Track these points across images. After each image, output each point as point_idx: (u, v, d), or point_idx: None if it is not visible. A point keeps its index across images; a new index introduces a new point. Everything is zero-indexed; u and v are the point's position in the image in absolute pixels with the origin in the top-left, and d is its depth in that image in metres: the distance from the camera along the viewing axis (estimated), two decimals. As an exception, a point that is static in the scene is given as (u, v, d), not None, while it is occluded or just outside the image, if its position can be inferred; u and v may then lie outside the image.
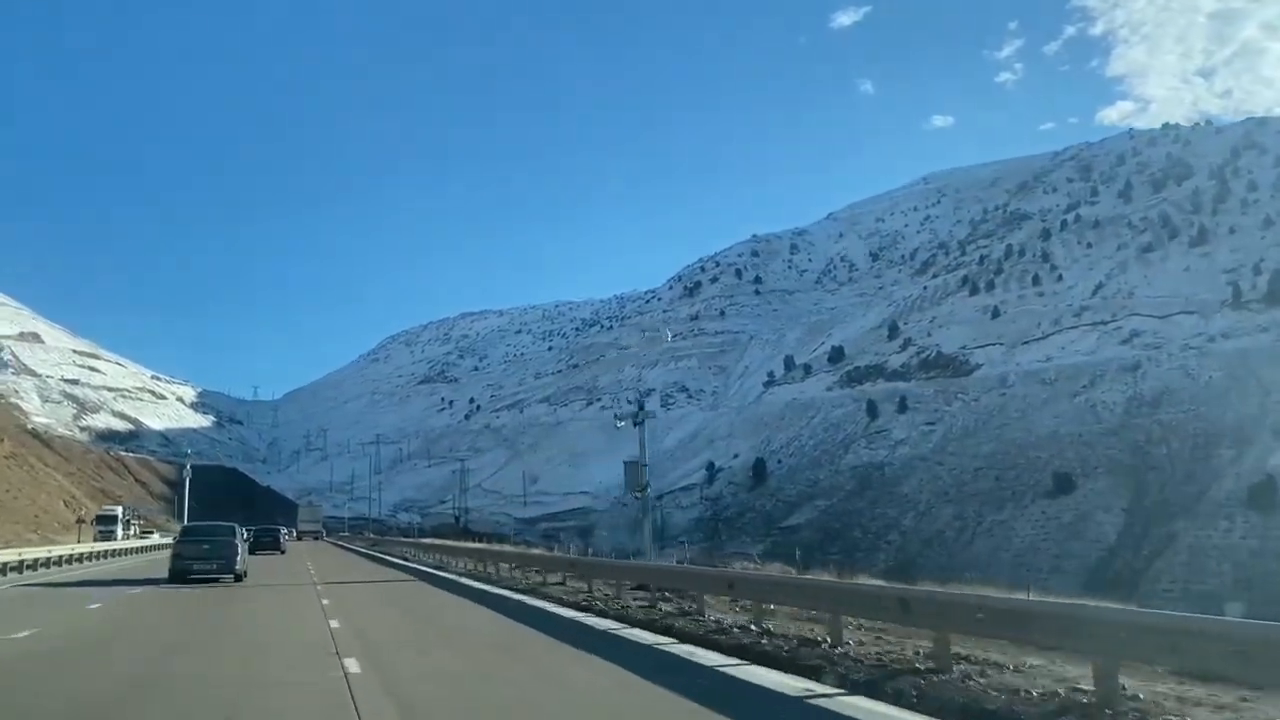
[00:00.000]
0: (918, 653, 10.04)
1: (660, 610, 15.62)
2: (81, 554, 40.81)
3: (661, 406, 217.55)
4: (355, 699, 8.29)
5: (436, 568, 35.26)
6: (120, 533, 59.83)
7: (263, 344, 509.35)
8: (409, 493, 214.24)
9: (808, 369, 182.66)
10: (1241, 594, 61.29)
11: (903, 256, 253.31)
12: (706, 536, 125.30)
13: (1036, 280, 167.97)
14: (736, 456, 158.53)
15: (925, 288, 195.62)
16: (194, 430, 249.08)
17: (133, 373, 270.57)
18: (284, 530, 62.16)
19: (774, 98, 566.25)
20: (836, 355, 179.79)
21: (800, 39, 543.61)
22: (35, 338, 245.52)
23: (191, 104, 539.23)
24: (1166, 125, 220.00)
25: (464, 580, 27.09)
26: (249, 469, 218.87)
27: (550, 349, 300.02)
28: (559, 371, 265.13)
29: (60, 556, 37.30)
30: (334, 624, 14.39)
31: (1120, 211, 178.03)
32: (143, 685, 9.43)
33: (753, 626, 12.62)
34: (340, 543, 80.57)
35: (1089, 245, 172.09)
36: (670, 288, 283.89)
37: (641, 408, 25.26)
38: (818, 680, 9.47)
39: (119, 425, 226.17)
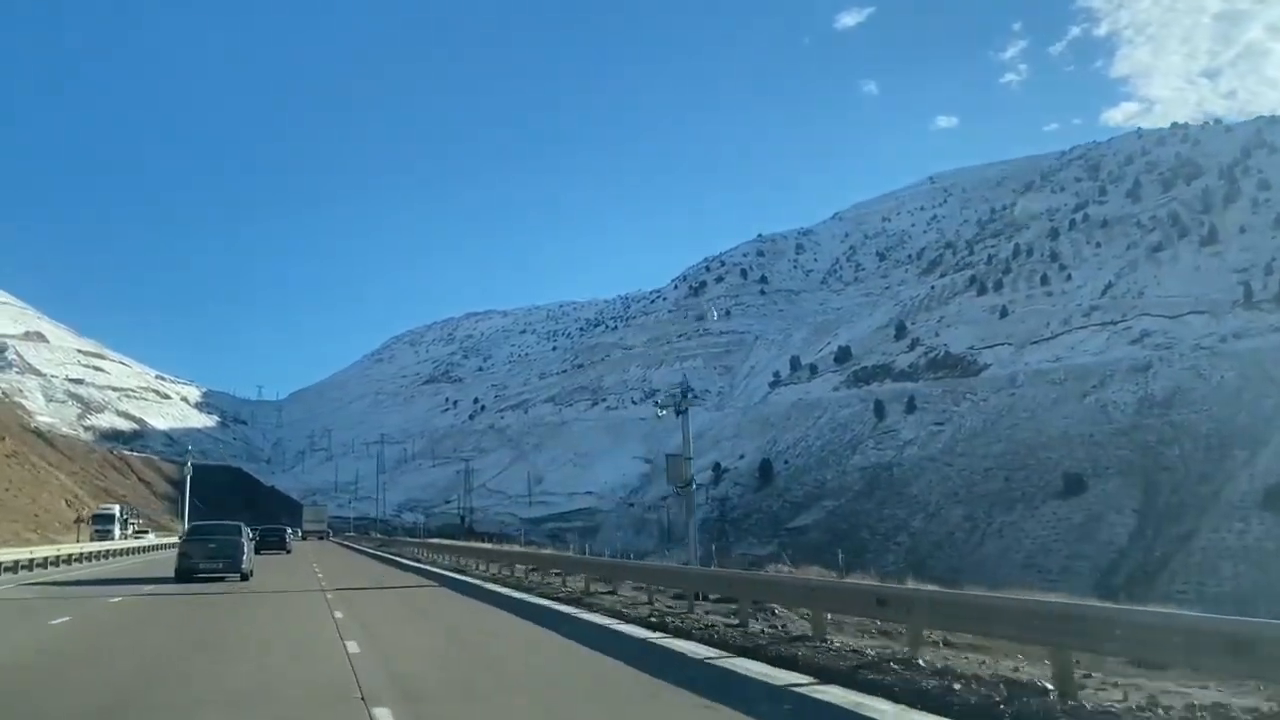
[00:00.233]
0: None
1: (760, 631, 13.02)
2: (70, 555, 37.87)
3: (655, 406, 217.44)
4: None
5: (456, 571, 32.44)
6: (117, 532, 58.73)
7: (267, 344, 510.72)
8: (413, 493, 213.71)
9: (814, 369, 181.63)
10: (1260, 596, 60.29)
11: (909, 256, 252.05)
12: (713, 538, 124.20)
13: (1045, 280, 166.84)
14: (743, 457, 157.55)
15: (932, 287, 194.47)
16: (198, 430, 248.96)
17: (137, 372, 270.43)
18: (289, 530, 61.31)
19: (778, 98, 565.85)
20: (843, 355, 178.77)
21: (804, 39, 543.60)
22: (40, 337, 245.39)
23: (195, 104, 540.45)
24: (1175, 124, 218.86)
25: (490, 586, 24.13)
26: (253, 469, 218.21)
27: (555, 349, 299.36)
28: (563, 371, 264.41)
29: (44, 558, 34.25)
30: (352, 648, 11.47)
31: (1129, 211, 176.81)
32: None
33: (920, 662, 9.59)
34: (346, 543, 79.43)
35: (1098, 245, 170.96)
36: (675, 287, 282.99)
37: (684, 394, 23.24)
38: None
39: (123, 425, 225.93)
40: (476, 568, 31.86)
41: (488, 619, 16.68)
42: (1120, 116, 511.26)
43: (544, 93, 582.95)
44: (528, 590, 21.93)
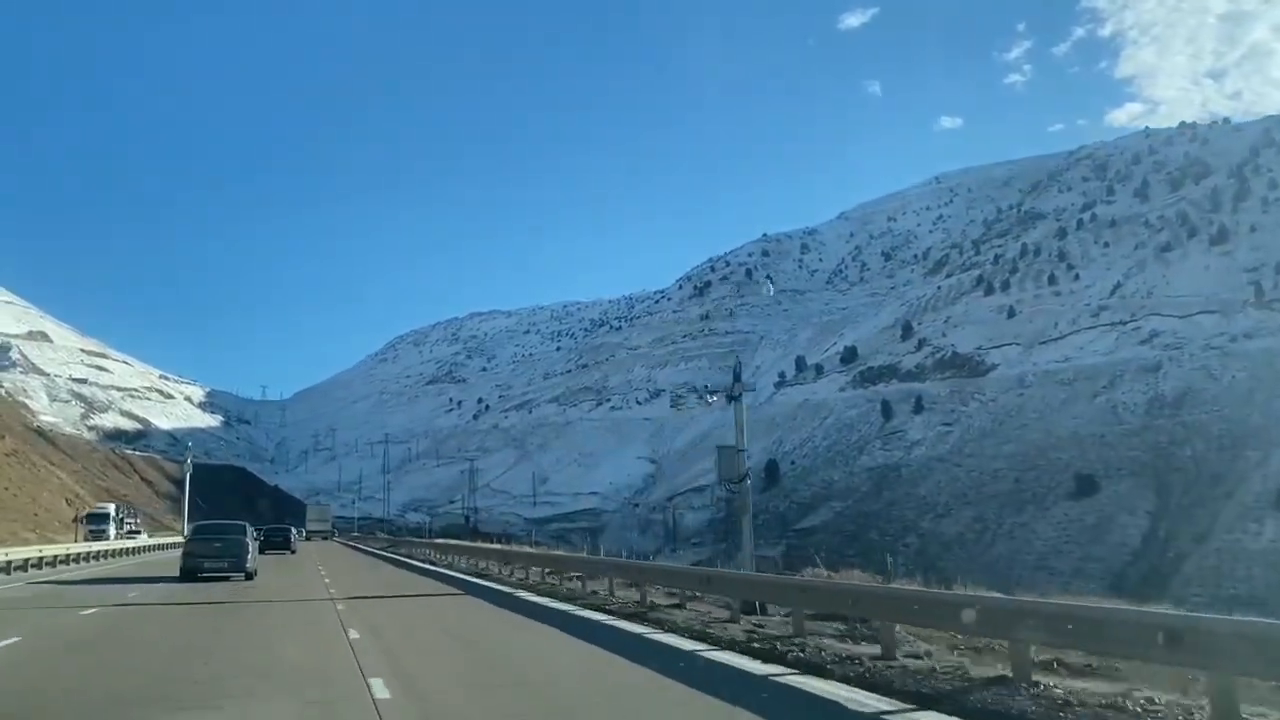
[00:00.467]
0: None
1: (929, 669, 9.49)
2: (55, 557, 34.80)
3: (671, 407, 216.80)
4: None
5: (477, 575, 29.30)
6: (112, 532, 57.22)
7: (271, 344, 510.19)
8: (417, 493, 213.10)
9: (819, 369, 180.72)
10: (1276, 599, 59.26)
11: (915, 256, 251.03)
12: (720, 538, 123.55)
13: (1053, 280, 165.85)
14: (749, 458, 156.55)
15: (939, 287, 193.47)
16: (202, 430, 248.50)
17: (141, 372, 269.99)
18: (294, 530, 60.23)
19: (782, 98, 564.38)
20: (849, 356, 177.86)
21: (808, 40, 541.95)
22: (44, 337, 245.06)
23: (198, 104, 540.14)
24: (1183, 124, 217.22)
25: (524, 594, 20.98)
26: (257, 469, 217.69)
27: (559, 349, 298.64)
28: (568, 372, 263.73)
29: (25, 560, 31.26)
30: (378, 690, 8.48)
31: (1137, 210, 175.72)
32: None
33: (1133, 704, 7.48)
34: (351, 543, 78.05)
35: (1106, 244, 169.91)
36: (680, 287, 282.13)
37: (737, 378, 20.64)
38: None
39: (127, 425, 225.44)
40: (498, 571, 29.34)
41: (541, 641, 13.29)
42: (1125, 117, 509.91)
43: (547, 93, 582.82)
44: (570, 600, 18.82)
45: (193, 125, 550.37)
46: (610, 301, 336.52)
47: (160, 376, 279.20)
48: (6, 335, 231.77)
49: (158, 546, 53.90)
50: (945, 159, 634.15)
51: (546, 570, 24.64)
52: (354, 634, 12.78)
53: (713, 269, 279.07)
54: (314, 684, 9.24)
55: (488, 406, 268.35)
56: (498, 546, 42.55)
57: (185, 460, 77.88)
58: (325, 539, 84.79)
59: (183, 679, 9.35)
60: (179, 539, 57.26)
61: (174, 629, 14.63)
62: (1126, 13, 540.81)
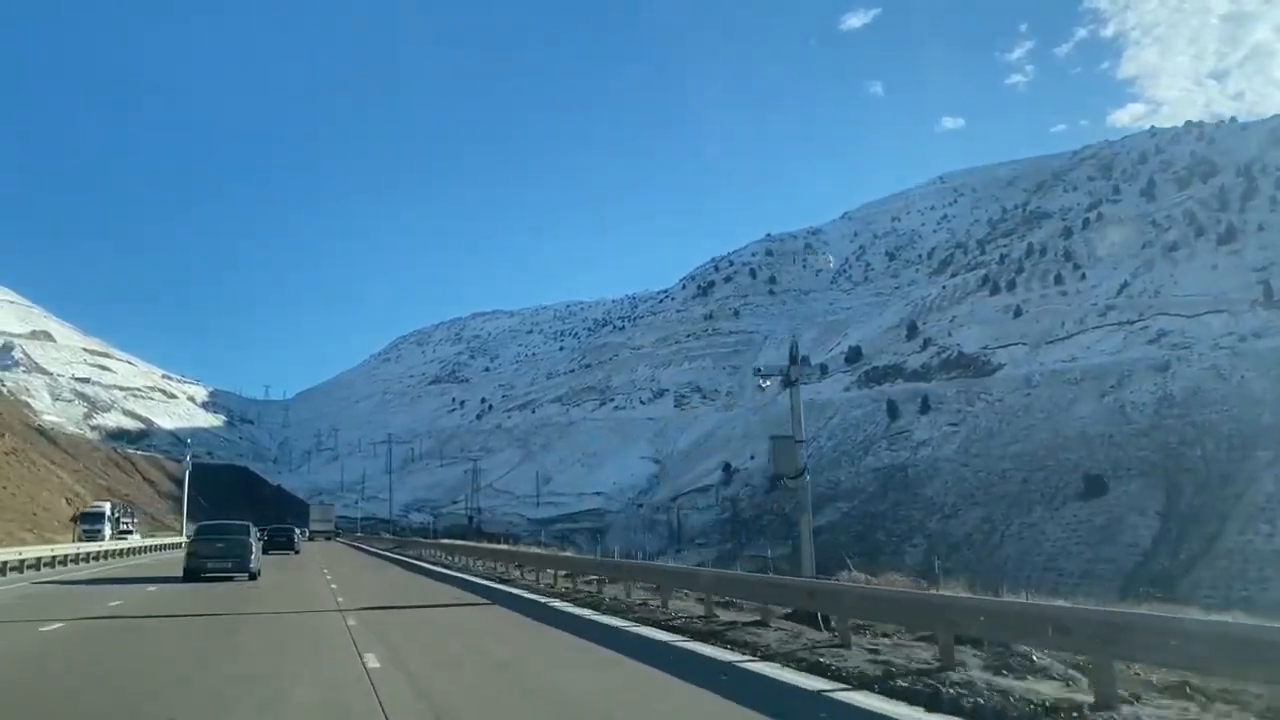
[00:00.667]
0: None
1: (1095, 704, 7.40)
2: (39, 559, 32.76)
3: (675, 407, 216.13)
4: None
5: (497, 579, 26.84)
6: (108, 532, 55.28)
7: (274, 344, 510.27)
8: (420, 493, 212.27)
9: (824, 369, 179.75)
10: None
11: (920, 256, 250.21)
12: (725, 539, 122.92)
13: (1059, 279, 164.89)
14: (753, 458, 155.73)
15: (944, 287, 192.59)
16: (205, 429, 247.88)
17: (144, 372, 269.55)
18: (297, 531, 59.20)
19: (785, 98, 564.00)
20: (854, 355, 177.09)
21: (810, 40, 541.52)
22: (46, 336, 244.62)
23: (200, 104, 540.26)
24: (1189, 123, 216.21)
25: (561, 605, 18.29)
26: (260, 468, 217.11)
27: (562, 349, 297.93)
28: (571, 371, 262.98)
29: (3, 563, 29.50)
30: None
31: (1144, 210, 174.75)
32: None
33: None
34: (355, 544, 76.85)
35: (1112, 244, 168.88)
36: (684, 287, 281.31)
37: (794, 360, 18.00)
38: None
39: (130, 424, 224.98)
40: (520, 575, 26.78)
41: (609, 673, 10.31)
42: (1127, 118, 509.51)
43: (547, 93, 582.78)
44: (616, 612, 16.27)
45: (193, 125, 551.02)
46: (613, 301, 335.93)
47: (163, 376, 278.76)
48: (9, 335, 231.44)
49: (153, 548, 52.54)
50: (947, 159, 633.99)
51: (561, 573, 23.35)
52: (372, 661, 10.38)
53: (716, 269, 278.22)
54: None
55: (491, 406, 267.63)
56: (508, 548, 41.31)
57: (185, 459, 76.43)
58: (329, 539, 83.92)
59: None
60: (177, 539, 56.50)
61: (147, 656, 11.48)
62: (1129, 13, 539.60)
